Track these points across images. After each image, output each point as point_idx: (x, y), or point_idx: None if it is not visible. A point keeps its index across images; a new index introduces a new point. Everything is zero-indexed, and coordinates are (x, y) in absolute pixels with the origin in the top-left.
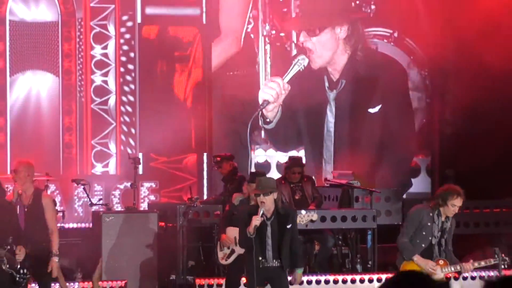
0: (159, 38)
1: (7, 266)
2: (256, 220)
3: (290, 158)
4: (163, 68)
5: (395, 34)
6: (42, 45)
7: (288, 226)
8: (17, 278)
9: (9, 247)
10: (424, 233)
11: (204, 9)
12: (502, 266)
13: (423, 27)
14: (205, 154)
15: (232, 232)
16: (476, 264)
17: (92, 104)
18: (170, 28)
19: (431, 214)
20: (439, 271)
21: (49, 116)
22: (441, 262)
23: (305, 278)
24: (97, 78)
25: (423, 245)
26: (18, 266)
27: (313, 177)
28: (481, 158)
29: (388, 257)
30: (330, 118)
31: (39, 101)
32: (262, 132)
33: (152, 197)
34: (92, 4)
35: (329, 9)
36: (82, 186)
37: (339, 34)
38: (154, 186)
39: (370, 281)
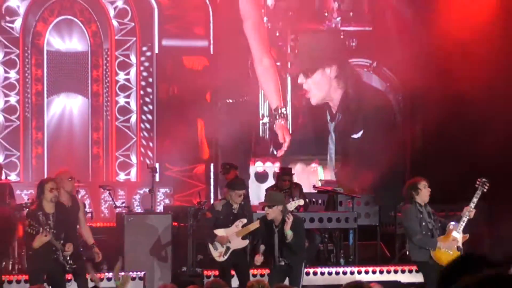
0: (173, 65)
1: (61, 258)
2: (256, 262)
3: (281, 168)
4: (177, 91)
5: (374, 64)
6: (74, 71)
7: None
8: (67, 268)
9: (62, 241)
10: (423, 223)
11: (211, 42)
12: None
13: (397, 56)
14: (212, 164)
15: (221, 232)
16: (472, 205)
17: (116, 121)
18: (182, 58)
19: (416, 207)
20: (457, 234)
21: (80, 131)
22: (451, 226)
23: None
24: (121, 100)
25: (428, 233)
26: (68, 258)
27: (301, 184)
28: (447, 170)
29: (367, 253)
30: (331, 145)
31: (72, 119)
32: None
33: (167, 201)
34: (116, 37)
35: (318, 51)
36: (108, 191)
37: (330, 74)
38: (168, 191)
39: (352, 273)
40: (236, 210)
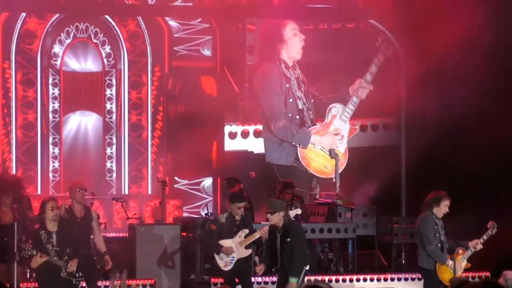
0: (182, 85)
1: (65, 274)
2: (258, 272)
3: (283, 181)
4: (185, 109)
5: None
6: (89, 90)
7: (288, 239)
8: (74, 282)
9: (66, 257)
10: (437, 235)
11: (218, 62)
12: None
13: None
14: (218, 178)
15: (227, 244)
16: (481, 240)
17: (128, 138)
18: (190, 77)
19: (432, 217)
20: (463, 260)
21: (94, 147)
22: (460, 251)
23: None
24: (133, 117)
25: (439, 245)
26: (74, 271)
27: (302, 197)
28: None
29: (365, 262)
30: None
31: (86, 135)
32: None
33: (176, 212)
34: (129, 58)
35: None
36: (120, 203)
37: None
38: (177, 203)
39: (351, 280)
40: (239, 221)
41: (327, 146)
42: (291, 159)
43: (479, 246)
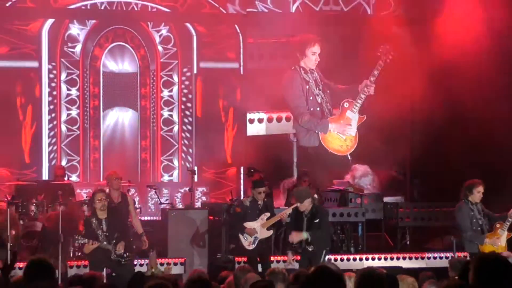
0: (209, 84)
1: (114, 256)
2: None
3: (301, 170)
4: (213, 105)
5: None
6: (126, 89)
7: (316, 221)
8: (123, 262)
9: (114, 241)
10: (474, 220)
11: (241, 64)
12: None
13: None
14: (241, 167)
15: (250, 225)
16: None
17: (161, 131)
18: (217, 77)
19: (468, 205)
20: (502, 232)
21: (130, 139)
22: (497, 225)
23: None
24: (165, 113)
25: (478, 229)
26: (122, 252)
27: (318, 184)
28: (442, 175)
29: (373, 243)
30: None
31: (123, 129)
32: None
33: (204, 198)
34: (161, 60)
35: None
36: (154, 190)
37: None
38: (205, 190)
39: (360, 259)
40: (261, 205)
41: (341, 133)
42: (317, 142)
43: None
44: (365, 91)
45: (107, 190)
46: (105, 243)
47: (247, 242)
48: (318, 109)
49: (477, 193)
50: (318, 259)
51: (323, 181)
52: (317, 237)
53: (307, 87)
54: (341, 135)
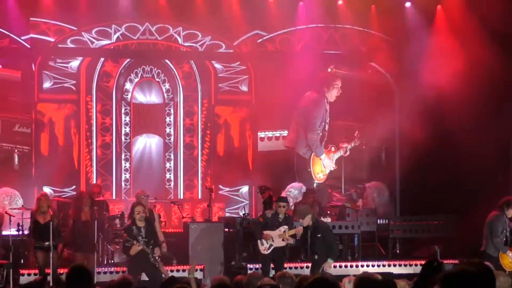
0: (225, 113)
1: (152, 259)
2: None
3: (308, 188)
4: (226, 132)
5: None
6: (153, 118)
7: (318, 235)
8: (156, 265)
9: (151, 246)
10: (504, 231)
11: (253, 96)
12: None
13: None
14: (253, 186)
15: (268, 233)
16: None
17: (183, 155)
18: (231, 107)
19: (503, 217)
20: None
21: (156, 162)
22: None
23: None
24: (187, 139)
25: (504, 239)
26: (157, 258)
27: (320, 201)
28: (424, 193)
29: (368, 251)
30: None
31: (151, 153)
32: None
33: (220, 213)
34: (184, 93)
35: None
36: (177, 206)
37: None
38: (221, 206)
39: (357, 266)
40: (281, 219)
41: (325, 165)
42: (309, 155)
43: None
44: (343, 151)
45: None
46: (145, 247)
47: (263, 248)
48: (321, 134)
49: None
50: (318, 267)
51: None
52: (328, 251)
53: (325, 114)
54: (323, 166)
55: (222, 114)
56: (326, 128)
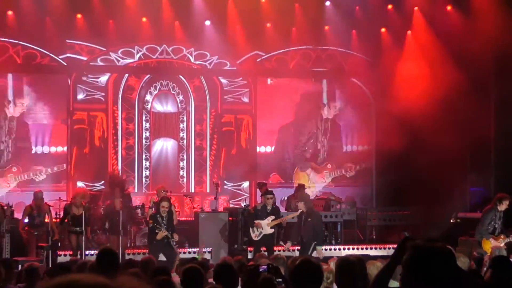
0: (230, 120)
1: (173, 242)
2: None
3: (298, 184)
4: (230, 136)
5: None
6: (168, 124)
7: (309, 219)
8: (175, 248)
9: (171, 231)
10: (492, 222)
11: (253, 105)
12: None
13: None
14: (252, 182)
15: (259, 222)
16: None
17: (194, 155)
18: (235, 115)
19: (494, 211)
20: (501, 241)
21: (172, 161)
22: (502, 236)
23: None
24: (197, 142)
25: (491, 229)
26: (175, 242)
27: (309, 195)
28: (398, 187)
29: (349, 237)
30: None
31: (167, 153)
32: None
33: (225, 204)
34: (195, 103)
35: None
36: (189, 198)
37: None
38: (226, 198)
39: (339, 249)
40: (269, 210)
41: (314, 179)
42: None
43: None
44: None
45: (156, 198)
46: (168, 233)
47: (254, 235)
48: (310, 151)
49: (504, 204)
50: (307, 250)
51: None
52: (308, 233)
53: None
54: (311, 181)
55: (227, 121)
56: (318, 146)
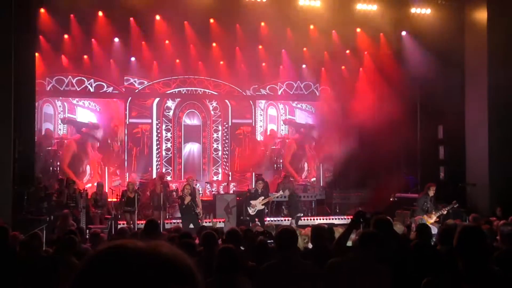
0: (236, 131)
1: (200, 215)
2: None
3: (284, 174)
4: (237, 141)
5: None
6: (194, 133)
7: (292, 196)
8: (198, 217)
9: (196, 206)
10: (425, 203)
11: (253, 119)
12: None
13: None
14: (253, 173)
15: (253, 202)
16: (444, 210)
17: (212, 154)
18: (240, 127)
19: (426, 196)
20: (433, 216)
21: (197, 158)
22: (433, 212)
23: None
24: (214, 146)
25: (425, 209)
26: (200, 214)
27: (293, 181)
28: (355, 175)
29: (319, 210)
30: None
31: (194, 153)
32: None
33: (235, 188)
34: (213, 118)
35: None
36: (208, 184)
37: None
38: (236, 184)
39: (314, 219)
40: (260, 192)
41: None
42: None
43: (444, 211)
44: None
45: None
46: (191, 202)
47: (251, 211)
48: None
49: (432, 191)
50: (296, 219)
51: None
52: (291, 205)
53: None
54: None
55: (235, 131)
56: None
